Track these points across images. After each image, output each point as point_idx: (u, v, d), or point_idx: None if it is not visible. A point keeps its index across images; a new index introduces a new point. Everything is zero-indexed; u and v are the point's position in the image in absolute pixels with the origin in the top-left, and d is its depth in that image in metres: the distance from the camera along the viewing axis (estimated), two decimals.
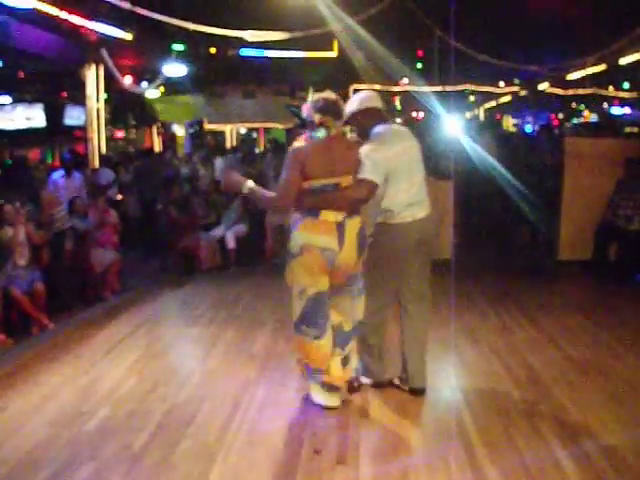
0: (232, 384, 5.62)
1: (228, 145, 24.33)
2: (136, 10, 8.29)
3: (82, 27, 10.91)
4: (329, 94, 4.79)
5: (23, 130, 20.17)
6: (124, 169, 14.42)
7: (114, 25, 11.89)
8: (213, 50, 14.32)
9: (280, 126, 24.70)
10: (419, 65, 22.77)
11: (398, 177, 4.87)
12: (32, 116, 20.04)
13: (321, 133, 4.68)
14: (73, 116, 19.75)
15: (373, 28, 13.08)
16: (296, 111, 22.19)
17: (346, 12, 11.57)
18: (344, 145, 4.82)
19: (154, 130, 24.68)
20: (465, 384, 5.58)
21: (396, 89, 28.23)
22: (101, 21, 11.30)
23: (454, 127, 14.77)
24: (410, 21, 13.81)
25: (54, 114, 19.77)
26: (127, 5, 8.20)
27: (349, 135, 5.15)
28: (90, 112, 14.66)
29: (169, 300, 8.89)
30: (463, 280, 8.63)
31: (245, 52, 14.57)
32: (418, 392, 5.26)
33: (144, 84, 17.15)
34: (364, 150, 4.81)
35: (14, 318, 7.47)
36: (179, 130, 26.87)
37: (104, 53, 12.55)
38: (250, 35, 10.34)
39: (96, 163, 14.11)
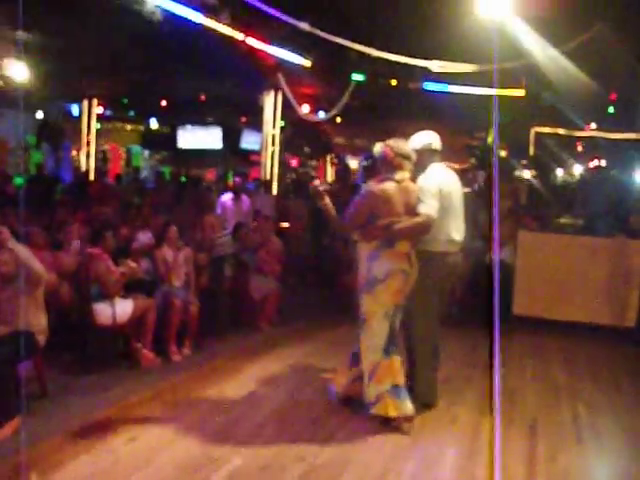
0: (380, 451, 5.01)
1: None
2: (315, 32, 7.84)
3: (261, 51, 10.69)
4: (404, 142, 5.42)
5: (201, 151, 20.78)
6: (295, 197, 14.28)
7: (294, 51, 11.61)
8: (394, 82, 13.67)
9: (456, 166, 23.89)
10: (610, 109, 21.13)
11: (442, 212, 5.40)
12: (211, 138, 20.58)
13: (399, 176, 5.26)
14: (249, 140, 20.06)
15: (567, 65, 12.02)
16: (477, 153, 21.36)
17: (539, 47, 10.61)
18: (411, 188, 5.34)
19: (328, 160, 24.68)
20: None
21: (581, 134, 26.57)
22: (281, 46, 11.06)
23: None
24: (606, 61, 12.68)
25: (231, 137, 20.20)
26: (306, 26, 7.83)
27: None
28: (266, 138, 14.69)
29: (326, 340, 8.33)
30: None
31: (429, 86, 13.76)
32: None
33: (321, 113, 17.08)
34: (420, 184, 5.43)
35: (166, 338, 7.28)
36: (353, 162, 26.75)
37: (281, 79, 12.36)
38: (437, 65, 9.55)
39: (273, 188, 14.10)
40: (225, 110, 18.69)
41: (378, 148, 5.41)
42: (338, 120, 18.89)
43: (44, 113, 16.68)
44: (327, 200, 5.44)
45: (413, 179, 5.45)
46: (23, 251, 5.49)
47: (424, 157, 5.60)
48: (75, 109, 18.01)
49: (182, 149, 21.62)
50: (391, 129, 23.22)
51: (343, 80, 13.85)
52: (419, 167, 5.54)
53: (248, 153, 20.33)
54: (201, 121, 20.71)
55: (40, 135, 19.68)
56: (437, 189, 5.41)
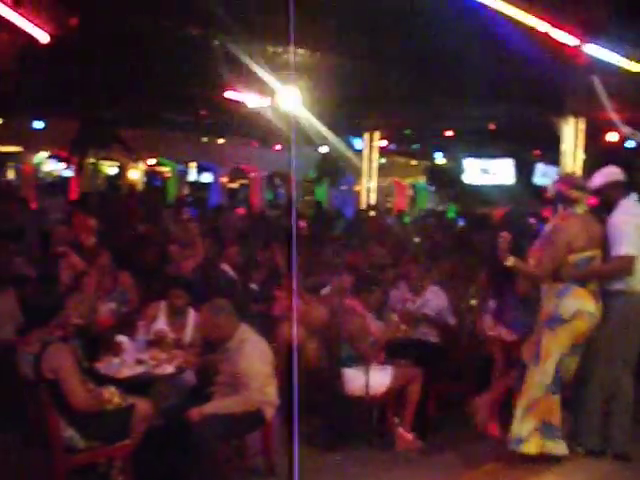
0: None
1: None
2: None
3: (570, 48, 8.41)
4: (575, 174, 6.23)
5: (490, 187, 19.45)
6: None
7: (611, 49, 9.06)
8: None
9: None
10: None
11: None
12: (501, 172, 19.19)
13: (580, 209, 5.22)
14: (544, 175, 18.27)
15: None
16: None
17: None
18: (593, 219, 5.27)
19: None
20: None
21: None
22: (595, 41, 8.68)
23: None
24: None
25: (524, 171, 18.55)
26: None
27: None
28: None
29: None
30: None
31: None
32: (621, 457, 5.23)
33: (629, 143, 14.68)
34: (616, 222, 5.25)
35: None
36: None
37: (596, 83, 9.88)
38: None
39: None
40: (517, 140, 16.96)
41: (551, 186, 5.47)
42: None
43: (328, 147, 16.35)
44: (511, 259, 5.17)
45: (602, 218, 5.39)
46: None
47: (612, 193, 5.48)
48: (358, 143, 17.46)
49: (469, 184, 20.36)
50: None
51: None
52: (608, 204, 5.49)
53: (542, 190, 18.40)
54: (490, 153, 19.25)
55: (321, 170, 19.58)
56: (634, 224, 5.26)
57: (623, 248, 5.15)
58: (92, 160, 17.07)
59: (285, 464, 5.07)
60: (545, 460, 5.00)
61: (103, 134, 15.01)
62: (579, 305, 5.07)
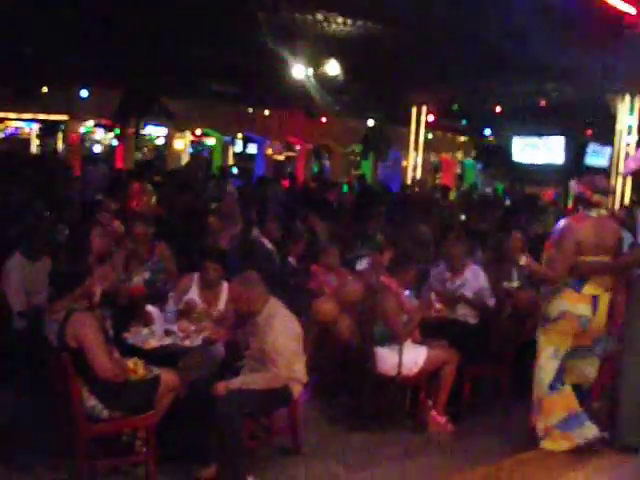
0: None
1: None
2: None
3: (628, 16, 7.83)
4: (600, 177, 5.42)
5: (539, 166, 18.92)
6: None
7: None
8: None
9: None
10: None
11: None
12: (551, 151, 18.63)
13: (595, 213, 5.03)
14: (596, 155, 17.68)
15: None
16: None
17: None
18: (610, 224, 5.15)
19: None
20: None
21: None
22: None
23: None
24: None
25: (575, 151, 17.99)
26: None
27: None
28: (617, 154, 12.40)
29: None
30: None
31: None
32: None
33: None
34: None
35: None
36: None
37: None
38: None
39: None
40: (569, 118, 16.42)
41: (573, 185, 5.26)
42: None
43: (374, 121, 16.00)
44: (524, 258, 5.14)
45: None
46: None
47: None
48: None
49: (517, 163, 19.88)
50: None
51: None
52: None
53: (594, 171, 17.88)
54: (540, 131, 18.72)
55: (366, 143, 19.31)
56: None
57: None
58: (134, 129, 17.02)
59: (312, 442, 5.12)
60: (580, 450, 4.85)
61: (146, 103, 14.98)
62: (567, 306, 4.99)
